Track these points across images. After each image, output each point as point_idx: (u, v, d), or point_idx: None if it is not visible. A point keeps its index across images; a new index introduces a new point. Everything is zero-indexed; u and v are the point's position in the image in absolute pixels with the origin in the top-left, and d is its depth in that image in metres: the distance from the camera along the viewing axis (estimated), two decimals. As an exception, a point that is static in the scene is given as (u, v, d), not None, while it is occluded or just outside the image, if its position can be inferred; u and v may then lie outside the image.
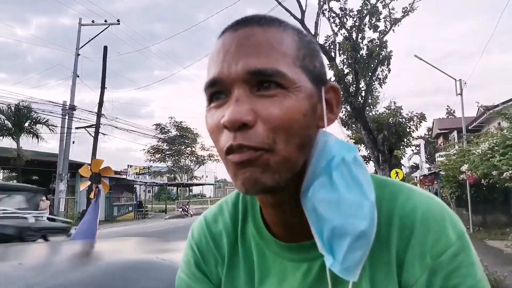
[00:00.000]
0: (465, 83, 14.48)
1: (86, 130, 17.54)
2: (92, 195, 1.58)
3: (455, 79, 14.67)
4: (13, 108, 16.78)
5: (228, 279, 0.62)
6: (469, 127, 16.68)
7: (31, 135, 18.05)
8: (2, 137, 17.00)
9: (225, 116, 0.47)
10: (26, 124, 17.61)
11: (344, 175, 0.50)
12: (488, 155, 9.30)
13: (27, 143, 18.23)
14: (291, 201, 0.53)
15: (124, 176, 29.96)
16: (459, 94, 14.60)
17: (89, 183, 1.60)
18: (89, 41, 16.35)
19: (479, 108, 18.11)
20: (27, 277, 0.76)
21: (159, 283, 0.83)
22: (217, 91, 0.51)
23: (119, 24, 17.15)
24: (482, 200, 12.73)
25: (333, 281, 0.52)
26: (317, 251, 0.52)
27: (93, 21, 17.27)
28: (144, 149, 38.77)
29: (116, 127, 18.58)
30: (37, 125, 18.05)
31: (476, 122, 16.99)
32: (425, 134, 34.08)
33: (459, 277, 0.49)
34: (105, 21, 17.27)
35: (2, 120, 17.12)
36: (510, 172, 8.26)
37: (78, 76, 16.35)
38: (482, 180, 10.37)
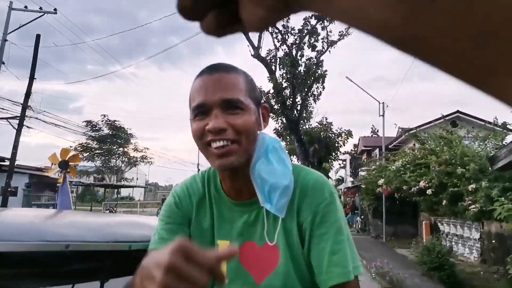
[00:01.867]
0: (387, 106, 16.03)
1: (8, 121, 16.18)
2: (60, 180, 1.78)
3: (379, 102, 16.17)
4: None
5: (196, 221, 0.95)
6: (390, 146, 18.21)
7: None
8: None
9: (209, 124, 0.80)
10: None
11: (275, 155, 0.87)
12: (401, 172, 10.48)
13: None
14: (241, 174, 0.87)
15: (46, 174, 27.92)
16: (381, 115, 16.09)
17: (57, 169, 1.79)
18: (20, 27, 15.23)
19: (398, 129, 20.07)
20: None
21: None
22: (200, 111, 0.83)
23: (56, 13, 16.24)
24: (395, 212, 14.12)
25: (263, 221, 0.88)
26: (253, 205, 0.88)
27: (26, 7, 16.14)
28: (71, 147, 36.38)
29: (43, 121, 17.40)
30: None
31: (395, 142, 18.67)
32: (351, 150, 36.32)
33: (329, 217, 0.85)
34: (40, 8, 16.26)
35: None
36: (417, 187, 9.44)
37: (3, 63, 15.12)
38: (396, 194, 11.61)
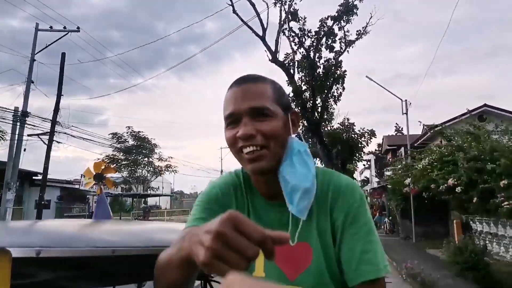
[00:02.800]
0: (410, 103, 15.73)
1: (39, 137, 16.86)
2: (98, 191, 1.90)
3: (401, 99, 15.90)
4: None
5: None
6: (415, 144, 17.82)
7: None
8: None
9: (239, 132, 0.87)
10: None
11: (299, 159, 0.91)
12: (428, 170, 10.24)
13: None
14: (273, 177, 0.92)
15: (76, 186, 28.81)
16: (404, 113, 15.80)
17: (93, 182, 1.91)
18: (46, 46, 15.90)
19: (423, 126, 19.62)
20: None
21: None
22: (231, 120, 0.90)
23: (79, 31, 16.86)
24: (424, 212, 13.78)
25: (293, 221, 0.92)
26: (285, 206, 0.92)
27: (51, 27, 16.83)
28: (98, 159, 37.44)
29: (72, 136, 18.03)
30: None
31: (421, 140, 18.26)
32: (375, 150, 35.77)
33: (360, 217, 0.89)
34: (64, 27, 16.91)
35: None
36: (445, 185, 9.19)
37: (32, 82, 15.80)
38: (424, 193, 11.32)
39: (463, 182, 8.87)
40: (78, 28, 17.05)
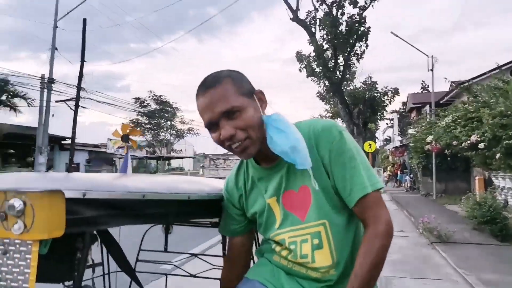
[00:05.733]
0: (436, 59, 15.17)
1: (65, 103, 17.43)
2: (125, 151, 2.10)
3: (427, 55, 15.34)
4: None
5: (248, 196, 1.20)
6: (441, 102, 17.37)
7: (9, 108, 17.80)
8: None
9: (221, 135, 1.01)
10: (4, 98, 17.31)
11: (272, 130, 1.03)
12: (451, 127, 10.08)
13: (4, 116, 17.91)
14: (264, 150, 1.07)
15: (103, 150, 29.92)
16: (430, 70, 15.30)
17: (120, 142, 2.10)
18: (68, 13, 15.99)
19: (450, 83, 18.95)
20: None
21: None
22: (211, 126, 1.03)
23: (97, -5, 16.80)
24: (446, 169, 13.72)
25: (294, 173, 1.09)
26: (281, 164, 1.09)
27: (70, -8, 16.83)
28: (122, 123, 38.26)
29: (96, 101, 18.52)
30: (15, 98, 17.76)
31: (447, 97, 17.74)
32: (399, 109, 34.98)
33: (342, 150, 1.03)
34: (83, -8, 16.88)
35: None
36: (468, 142, 9.07)
37: (56, 49, 16.11)
38: (446, 150, 11.22)
39: (486, 139, 8.72)
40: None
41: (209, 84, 1.02)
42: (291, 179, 1.10)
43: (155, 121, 38.59)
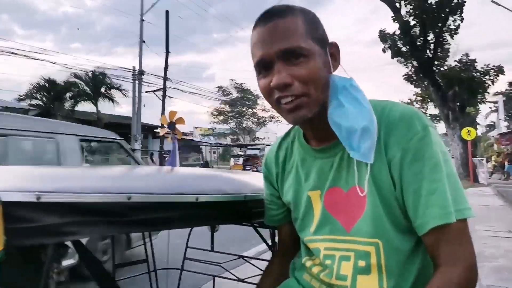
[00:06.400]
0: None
1: (154, 93, 18.69)
2: (169, 139, 2.00)
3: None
4: (90, 75, 18.35)
5: (286, 179, 0.97)
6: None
7: (107, 99, 19.69)
8: (83, 101, 18.81)
9: (273, 81, 0.77)
10: (102, 90, 19.20)
11: (346, 96, 0.80)
12: None
13: (104, 107, 19.88)
14: (320, 122, 0.82)
15: (190, 138, 31.72)
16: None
17: (166, 129, 2.00)
18: (152, 6, 17.01)
19: None
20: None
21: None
22: (263, 66, 0.79)
23: (179, -12, 17.54)
24: None
25: (347, 166, 0.83)
26: (335, 149, 0.84)
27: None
28: (208, 112, 40.31)
29: (182, 91, 19.53)
30: (111, 90, 19.59)
31: None
32: (506, 90, 31.00)
33: (423, 153, 0.74)
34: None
35: (82, 86, 18.84)
36: None
37: (144, 42, 17.26)
38: None
39: None
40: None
41: (276, 12, 0.79)
42: (343, 173, 0.84)
43: (238, 109, 39.68)
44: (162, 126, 1.87)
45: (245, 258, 1.86)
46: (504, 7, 13.86)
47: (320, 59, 0.78)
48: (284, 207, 1.00)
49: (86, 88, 18.82)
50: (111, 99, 19.88)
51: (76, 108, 18.58)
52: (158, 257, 1.89)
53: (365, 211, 0.80)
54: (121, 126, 21.65)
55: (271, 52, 0.76)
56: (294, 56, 0.75)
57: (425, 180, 0.73)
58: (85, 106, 19.06)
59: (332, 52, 0.83)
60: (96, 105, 19.05)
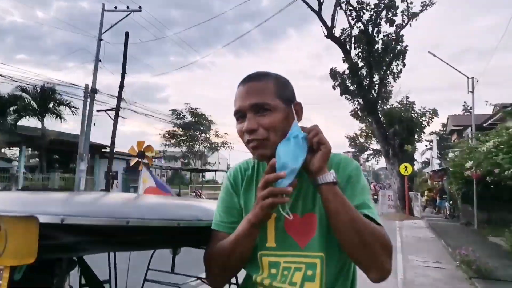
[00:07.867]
0: (477, 81, 14.49)
1: (106, 113, 18.20)
2: (140, 167, 2.14)
3: (467, 77, 14.68)
4: (38, 89, 17.54)
5: (246, 196, 1.13)
6: (484, 125, 16.49)
7: (55, 115, 18.84)
8: (27, 116, 17.83)
9: (244, 126, 1.01)
10: (51, 105, 18.36)
11: (296, 141, 0.97)
12: (493, 153, 9.48)
13: (50, 123, 18.91)
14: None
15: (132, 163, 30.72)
16: (470, 91, 14.63)
17: (136, 159, 2.13)
18: (112, 27, 16.92)
19: (494, 106, 17.97)
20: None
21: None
22: (239, 115, 1.04)
23: (140, 11, 17.67)
24: (489, 197, 12.82)
25: (308, 201, 1.07)
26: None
27: (115, 7, 17.81)
28: (160, 134, 39.56)
29: (135, 111, 19.21)
30: (60, 106, 18.80)
31: (490, 120, 16.81)
32: (439, 130, 33.67)
33: (357, 182, 1.05)
34: (127, 7, 17.82)
35: (28, 100, 17.91)
36: (511, 170, 8.47)
37: (100, 61, 16.97)
38: (487, 178, 10.53)
39: (532, 168, 8.12)
40: (139, 7, 17.86)
41: (254, 76, 1.05)
42: (299, 202, 1.06)
43: (190, 133, 39.40)
44: (132, 156, 1.99)
45: (203, 280, 1.97)
46: (437, 57, 15.50)
47: (283, 113, 1.01)
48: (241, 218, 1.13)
49: (32, 102, 17.91)
50: (59, 116, 19.06)
51: (20, 123, 17.54)
52: (120, 277, 1.98)
53: (316, 231, 1.03)
54: (67, 144, 20.68)
55: (245, 105, 1.01)
56: (262, 109, 1.00)
57: (357, 196, 1.01)
58: (29, 122, 18.07)
59: (297, 109, 1.06)
60: (42, 121, 18.12)
